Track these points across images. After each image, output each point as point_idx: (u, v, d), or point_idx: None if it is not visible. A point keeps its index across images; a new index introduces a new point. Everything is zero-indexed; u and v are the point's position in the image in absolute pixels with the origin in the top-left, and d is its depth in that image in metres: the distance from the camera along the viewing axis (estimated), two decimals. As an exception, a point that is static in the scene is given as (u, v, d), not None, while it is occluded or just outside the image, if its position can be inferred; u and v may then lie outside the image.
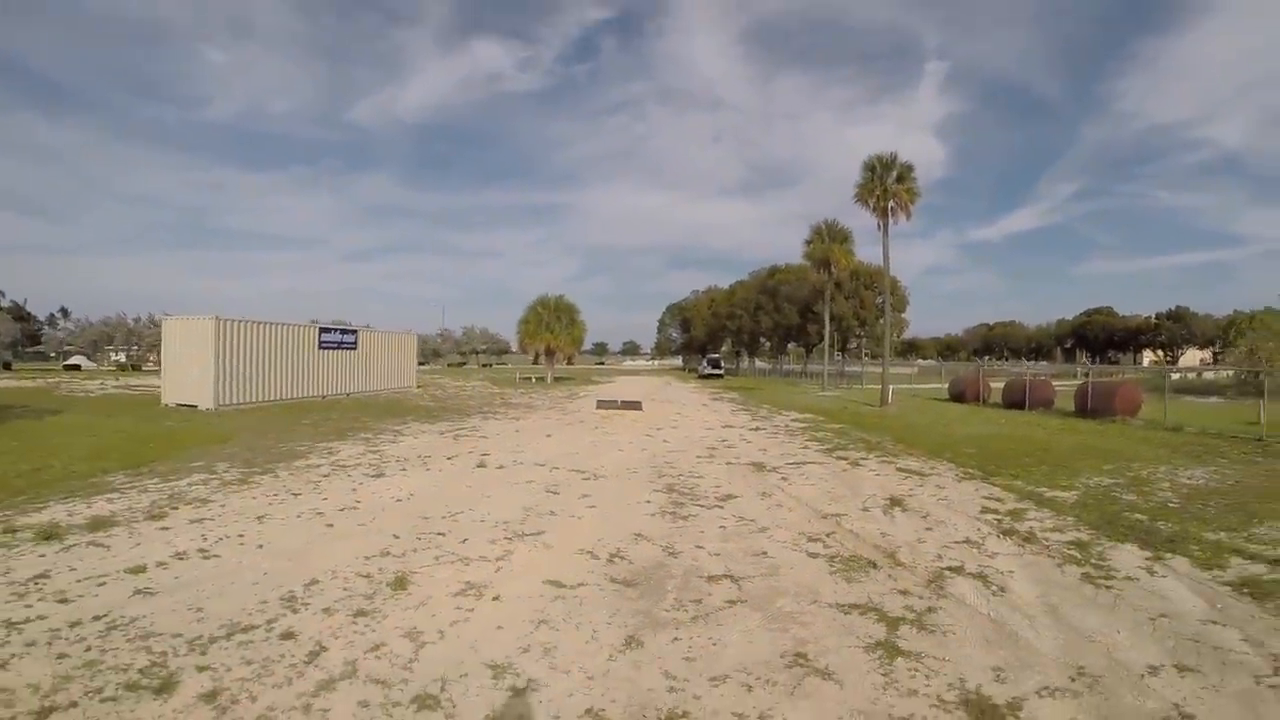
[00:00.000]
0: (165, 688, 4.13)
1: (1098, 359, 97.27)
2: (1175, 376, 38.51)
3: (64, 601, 5.43)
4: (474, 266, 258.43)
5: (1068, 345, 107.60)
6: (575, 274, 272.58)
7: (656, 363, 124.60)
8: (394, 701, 4.01)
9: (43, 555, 6.58)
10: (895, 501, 9.48)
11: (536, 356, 52.42)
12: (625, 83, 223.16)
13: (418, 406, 25.45)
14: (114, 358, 66.61)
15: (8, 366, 56.02)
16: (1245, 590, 5.88)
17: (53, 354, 71.66)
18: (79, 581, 5.89)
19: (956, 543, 7.45)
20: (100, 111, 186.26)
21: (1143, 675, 4.39)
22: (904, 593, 5.90)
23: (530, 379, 50.07)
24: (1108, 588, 6.01)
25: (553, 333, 47.68)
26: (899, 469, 12.14)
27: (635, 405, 25.14)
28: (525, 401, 29.63)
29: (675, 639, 4.93)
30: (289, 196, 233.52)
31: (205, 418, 19.72)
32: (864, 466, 12.46)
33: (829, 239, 39.22)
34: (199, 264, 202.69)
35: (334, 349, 28.53)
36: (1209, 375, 41.04)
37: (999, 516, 8.58)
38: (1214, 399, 29.17)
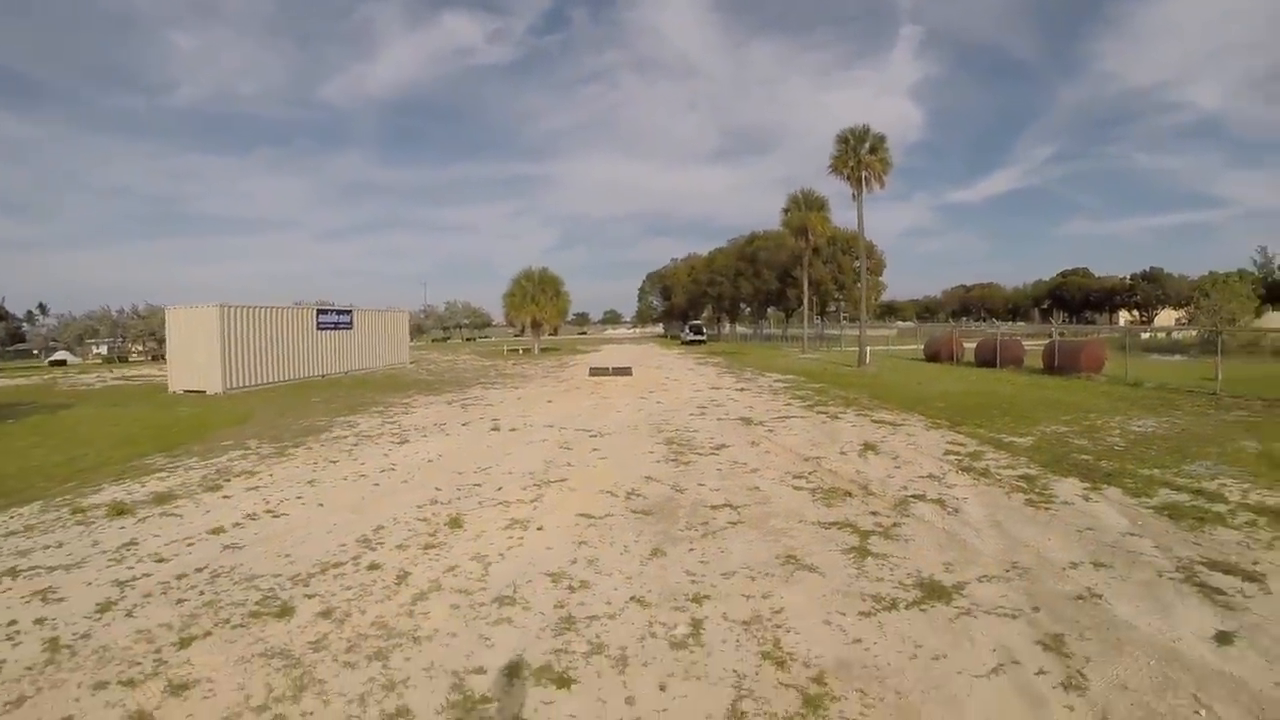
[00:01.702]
0: (284, 612, 4.90)
1: (1074, 319, 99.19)
2: (1145, 336, 40.22)
3: (161, 561, 6.04)
4: (451, 241, 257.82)
5: (1045, 306, 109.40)
6: (553, 245, 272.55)
7: (638, 331, 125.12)
8: (479, 603, 5.07)
9: (122, 528, 7.10)
10: (869, 447, 10.71)
11: (522, 328, 53.13)
12: (598, 52, 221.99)
13: (417, 381, 26.27)
14: (96, 351, 65.61)
15: (-8, 365, 55.40)
16: (1165, 513, 6.83)
17: (36, 351, 69.41)
18: (168, 544, 6.50)
19: (921, 477, 8.69)
20: (68, 104, 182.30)
21: (1064, 569, 5.51)
22: (874, 514, 7.15)
23: (518, 350, 50.89)
24: (1046, 509, 7.17)
25: (538, 305, 48.24)
26: (874, 420, 13.38)
27: (626, 371, 26.26)
28: (519, 371, 30.61)
29: (690, 549, 6.16)
30: (261, 179, 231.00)
31: (216, 401, 20.24)
32: (842, 419, 13.68)
33: (806, 207, 40.10)
34: (174, 252, 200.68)
35: (331, 329, 29.21)
36: (1177, 335, 42.42)
37: (960, 457, 9.81)
38: (1179, 357, 30.47)
